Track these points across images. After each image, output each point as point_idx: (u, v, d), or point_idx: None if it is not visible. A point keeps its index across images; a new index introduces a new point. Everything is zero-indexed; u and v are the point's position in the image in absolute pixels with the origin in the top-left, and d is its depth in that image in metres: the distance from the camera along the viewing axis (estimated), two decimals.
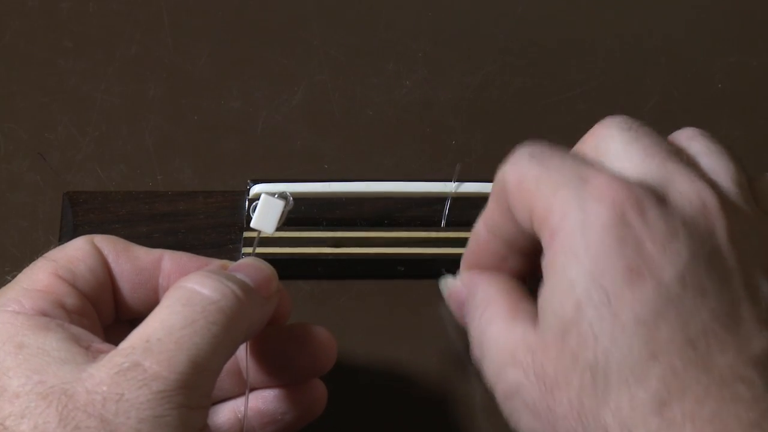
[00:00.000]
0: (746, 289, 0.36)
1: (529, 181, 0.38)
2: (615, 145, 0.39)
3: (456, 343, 0.47)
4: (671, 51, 0.54)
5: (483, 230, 0.42)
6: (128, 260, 0.41)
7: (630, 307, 0.35)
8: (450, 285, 0.44)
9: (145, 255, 0.42)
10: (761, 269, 0.37)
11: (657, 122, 0.52)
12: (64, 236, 0.49)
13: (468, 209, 0.49)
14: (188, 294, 0.38)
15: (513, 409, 0.39)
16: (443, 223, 0.49)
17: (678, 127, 0.52)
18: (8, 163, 0.52)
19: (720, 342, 0.35)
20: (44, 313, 0.38)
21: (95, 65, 0.54)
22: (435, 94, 0.53)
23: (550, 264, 0.37)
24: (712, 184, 0.38)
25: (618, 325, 0.35)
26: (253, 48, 0.54)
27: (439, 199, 0.49)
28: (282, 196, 0.45)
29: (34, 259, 0.49)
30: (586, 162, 0.38)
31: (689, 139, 0.40)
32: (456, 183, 0.48)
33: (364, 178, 0.49)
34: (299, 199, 0.49)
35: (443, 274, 0.45)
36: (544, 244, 0.38)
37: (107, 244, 0.41)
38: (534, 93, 0.53)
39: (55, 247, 0.49)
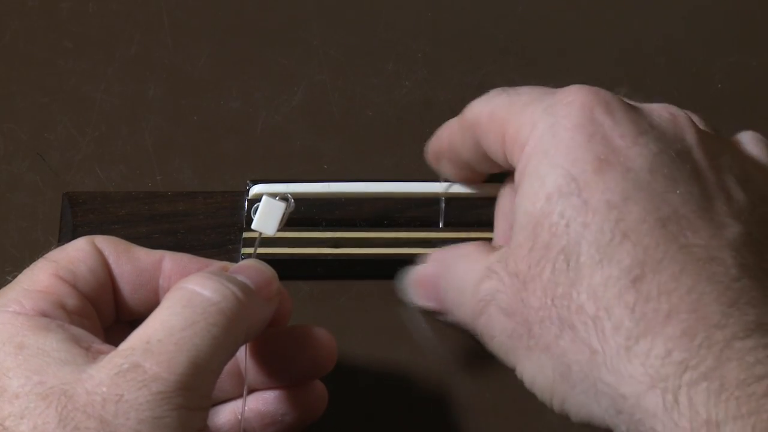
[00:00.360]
0: (718, 189, 0.37)
1: (500, 110, 0.40)
2: None
3: (456, 344, 0.47)
4: (671, 51, 0.54)
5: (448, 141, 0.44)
6: (129, 261, 0.41)
7: (600, 192, 0.36)
8: (417, 270, 0.43)
9: (145, 256, 0.42)
10: (734, 178, 0.38)
11: None
12: (64, 237, 0.49)
13: (467, 210, 0.49)
14: (188, 295, 0.38)
15: (486, 320, 0.39)
16: (441, 223, 0.49)
17: None
18: (8, 164, 0.52)
19: (692, 225, 0.36)
20: (44, 314, 0.38)
21: (95, 65, 0.54)
22: (434, 95, 0.53)
23: (521, 171, 0.38)
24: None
25: (588, 210, 0.36)
26: (253, 48, 0.54)
27: (438, 200, 0.49)
28: (283, 198, 0.45)
29: (33, 260, 0.49)
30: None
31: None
32: (446, 183, 0.48)
33: (364, 178, 0.49)
34: (298, 200, 0.49)
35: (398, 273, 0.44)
36: (517, 160, 0.39)
37: (108, 245, 0.41)
38: None
39: (54, 247, 0.49)
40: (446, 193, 0.49)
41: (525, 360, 0.38)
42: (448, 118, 0.52)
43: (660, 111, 0.39)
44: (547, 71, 0.54)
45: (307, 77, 0.53)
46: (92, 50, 0.54)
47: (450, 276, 0.41)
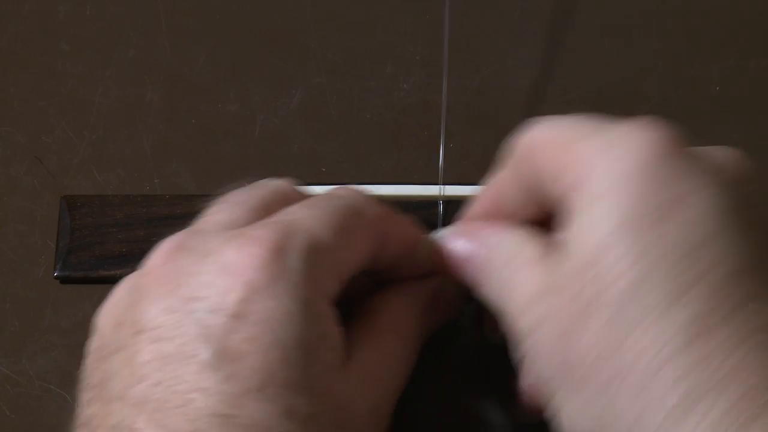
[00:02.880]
0: None
1: (562, 137, 0.37)
2: None
3: (455, 347, 0.47)
4: (669, 54, 0.54)
5: (495, 190, 0.42)
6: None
7: (656, 246, 0.34)
8: (454, 244, 0.41)
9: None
10: None
11: None
12: (62, 240, 0.49)
13: None
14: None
15: (532, 345, 0.37)
16: (439, 226, 0.49)
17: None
18: (5, 167, 0.52)
19: (750, 284, 0.34)
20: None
21: (92, 68, 0.54)
22: (432, 97, 0.53)
23: (574, 207, 0.36)
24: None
25: (643, 262, 0.34)
26: (251, 51, 0.54)
27: (436, 202, 0.49)
28: None
29: (31, 264, 0.50)
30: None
31: None
32: (442, 186, 0.48)
33: (362, 181, 0.49)
34: None
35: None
36: (571, 194, 0.36)
37: (388, 238, 0.41)
38: (532, 96, 0.53)
39: (52, 252, 0.49)
40: (444, 196, 0.49)
41: (567, 398, 0.36)
42: (446, 121, 0.52)
43: (719, 153, 0.37)
44: (545, 73, 0.54)
45: (305, 80, 0.53)
46: (90, 53, 0.54)
47: (499, 265, 0.39)
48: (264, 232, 0.36)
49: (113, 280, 0.48)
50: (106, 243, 0.49)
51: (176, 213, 0.50)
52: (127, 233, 0.49)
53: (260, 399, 0.34)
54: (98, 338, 0.37)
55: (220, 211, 0.40)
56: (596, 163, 0.36)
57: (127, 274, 0.47)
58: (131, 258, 0.48)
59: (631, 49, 0.54)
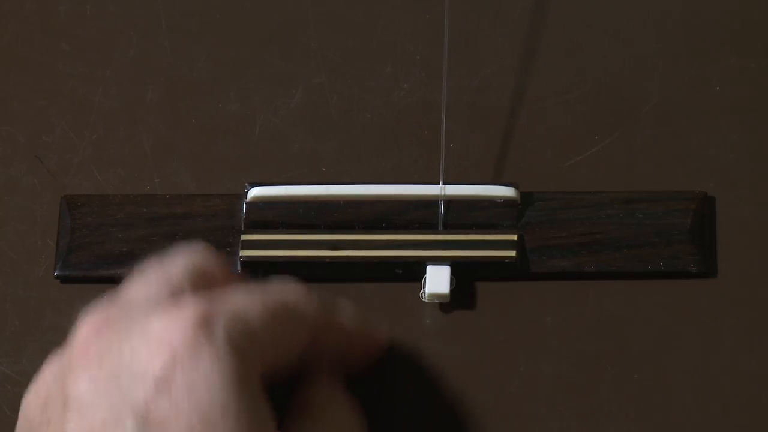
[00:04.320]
0: None
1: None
2: None
3: (456, 346, 0.47)
4: (669, 53, 0.54)
5: None
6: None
7: None
8: None
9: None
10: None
11: (654, 126, 0.52)
12: (62, 240, 0.49)
13: (466, 212, 0.49)
14: None
15: None
16: (440, 225, 0.49)
17: (675, 131, 0.52)
18: (5, 167, 0.52)
19: None
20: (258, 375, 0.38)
21: (93, 68, 0.54)
22: (433, 97, 0.53)
23: None
24: None
25: None
26: (251, 51, 0.54)
27: (437, 202, 0.49)
28: None
29: (31, 264, 0.50)
30: None
31: None
32: (442, 185, 0.48)
33: (362, 180, 0.49)
34: (297, 202, 0.49)
35: None
36: None
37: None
38: (532, 95, 0.53)
39: (52, 252, 0.49)
40: (445, 195, 0.49)
41: None
42: (446, 121, 0.52)
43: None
44: (545, 72, 0.54)
45: (305, 80, 0.53)
46: (90, 53, 0.54)
47: None
48: (191, 302, 0.37)
49: (113, 280, 0.48)
50: (107, 243, 0.49)
51: (176, 213, 0.50)
52: (127, 233, 0.49)
53: None
54: (24, 417, 0.38)
55: (143, 285, 0.40)
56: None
57: (127, 273, 0.47)
58: (131, 257, 0.48)
59: (631, 49, 0.54)
